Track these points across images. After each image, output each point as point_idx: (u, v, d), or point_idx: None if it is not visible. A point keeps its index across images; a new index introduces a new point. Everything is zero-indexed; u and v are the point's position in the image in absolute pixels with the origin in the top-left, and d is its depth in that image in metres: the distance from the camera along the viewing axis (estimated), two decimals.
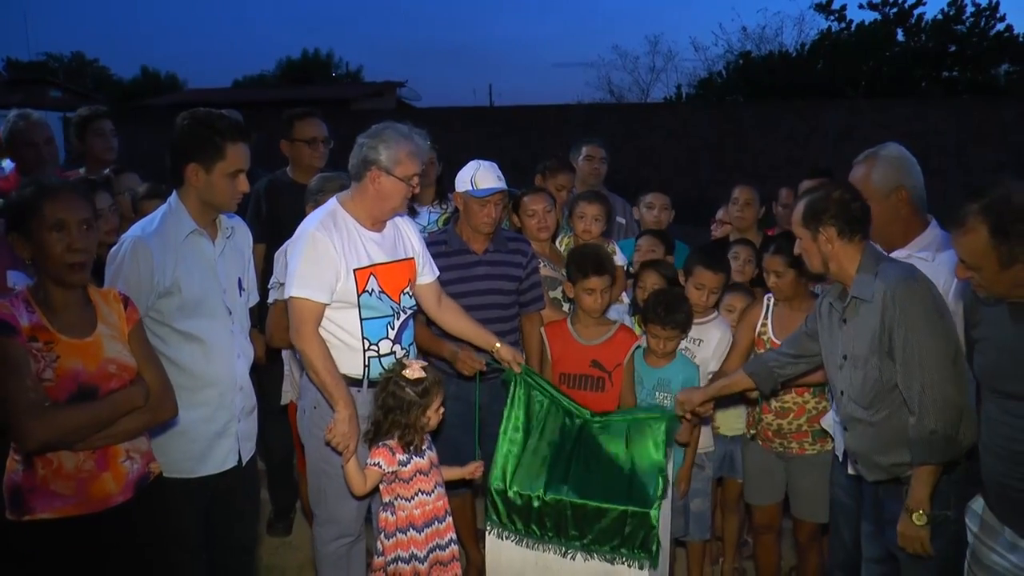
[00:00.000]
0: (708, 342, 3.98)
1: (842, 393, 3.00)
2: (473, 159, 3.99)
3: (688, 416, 3.51)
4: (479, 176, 3.84)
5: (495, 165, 3.92)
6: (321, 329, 3.29)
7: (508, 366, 3.59)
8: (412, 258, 3.51)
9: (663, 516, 3.31)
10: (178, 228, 2.99)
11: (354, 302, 3.29)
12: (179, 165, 2.98)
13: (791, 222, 3.04)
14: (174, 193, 3.07)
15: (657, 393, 3.80)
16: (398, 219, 3.52)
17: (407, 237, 3.53)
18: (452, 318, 3.65)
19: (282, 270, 3.66)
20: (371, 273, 3.32)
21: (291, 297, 3.22)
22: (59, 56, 48.85)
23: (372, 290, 3.33)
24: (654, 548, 3.21)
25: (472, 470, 3.49)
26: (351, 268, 3.26)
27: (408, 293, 3.48)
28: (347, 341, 3.33)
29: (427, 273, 3.58)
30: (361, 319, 3.32)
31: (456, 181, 3.96)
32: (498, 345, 3.60)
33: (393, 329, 3.41)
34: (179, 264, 2.96)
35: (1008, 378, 2.53)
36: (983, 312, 2.65)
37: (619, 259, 4.44)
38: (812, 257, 2.97)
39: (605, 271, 3.82)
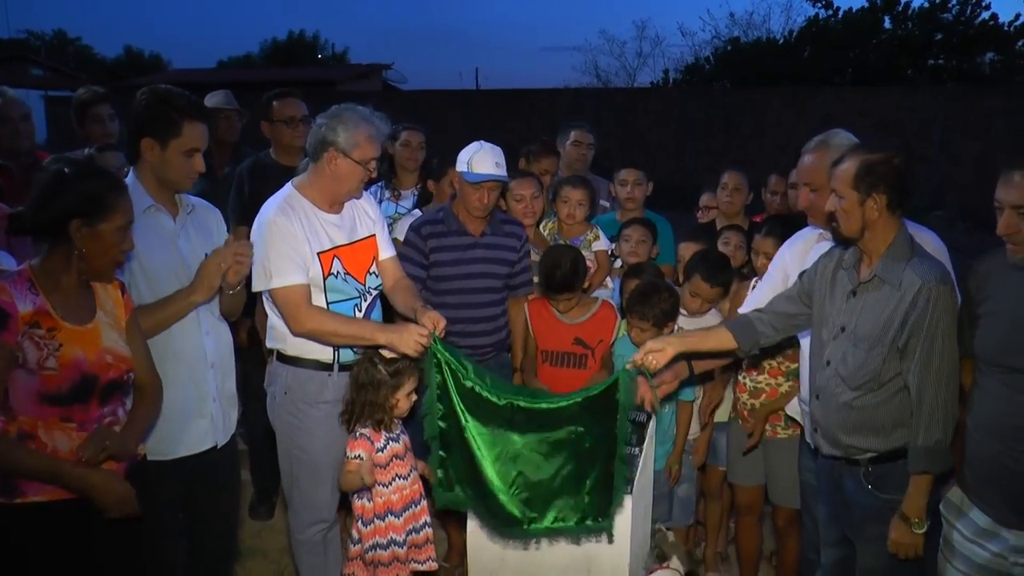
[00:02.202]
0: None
1: (828, 363, 2.93)
2: (458, 143, 3.95)
3: (646, 359, 3.01)
4: (475, 159, 3.79)
5: (498, 150, 3.85)
6: None
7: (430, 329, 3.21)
8: (373, 235, 3.47)
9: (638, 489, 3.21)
10: (135, 204, 2.91)
11: (320, 286, 3.26)
12: (135, 140, 2.95)
13: (835, 179, 2.83)
14: (131, 170, 3.03)
15: None
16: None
17: (364, 214, 3.47)
18: (401, 297, 3.48)
19: None
20: (335, 255, 3.29)
21: (274, 290, 3.17)
22: (40, 34, 48.29)
23: (337, 272, 3.29)
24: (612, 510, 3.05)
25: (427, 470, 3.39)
26: (315, 251, 3.23)
27: (374, 273, 3.44)
28: None
29: (384, 249, 3.52)
30: (328, 303, 3.29)
31: (457, 159, 3.90)
32: (419, 306, 3.30)
33: (360, 311, 3.38)
34: (137, 239, 2.89)
35: (1019, 353, 2.51)
36: (992, 286, 2.63)
37: (603, 244, 4.45)
38: (851, 220, 2.78)
39: (569, 290, 3.83)
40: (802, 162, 3.25)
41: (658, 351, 3.02)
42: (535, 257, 4.24)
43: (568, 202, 4.40)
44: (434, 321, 3.19)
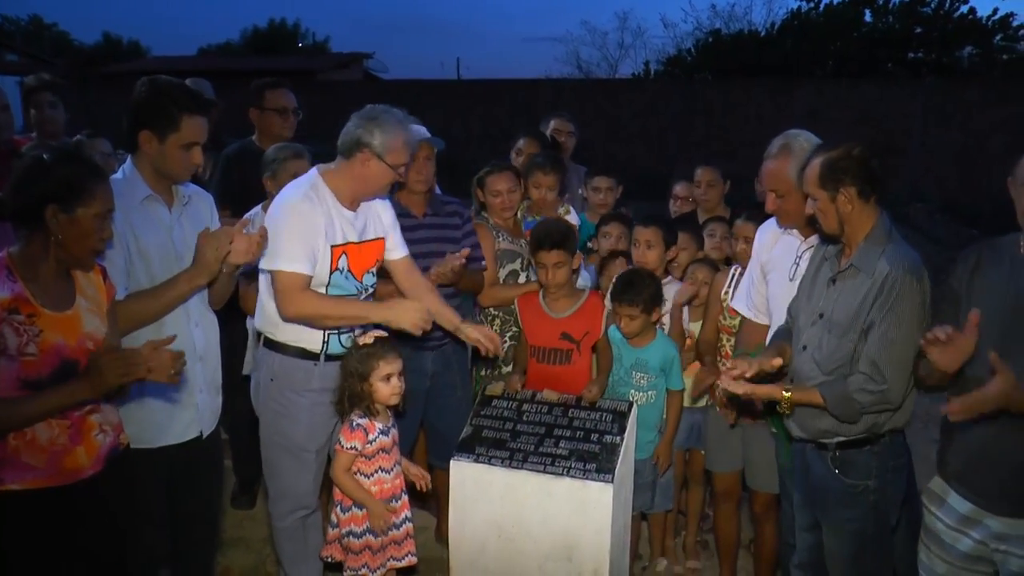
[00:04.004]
0: (668, 301, 4.04)
1: (804, 348, 2.99)
2: (440, 133, 4.02)
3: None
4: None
5: (420, 124, 3.94)
6: None
7: (478, 346, 3.53)
8: (382, 238, 3.49)
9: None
10: (132, 193, 2.93)
11: (325, 280, 3.28)
12: (134, 131, 2.94)
13: (805, 182, 2.90)
14: (128, 158, 3.03)
15: (635, 373, 3.82)
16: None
17: (377, 217, 3.49)
18: (423, 295, 3.56)
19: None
20: (343, 252, 3.31)
21: (277, 271, 3.18)
22: (15, 19, 47.48)
23: (342, 268, 3.32)
24: None
25: (420, 478, 3.45)
26: (329, 245, 3.25)
27: (372, 272, 3.46)
28: None
29: (398, 249, 3.56)
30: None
31: None
32: (461, 325, 3.55)
33: None
34: (135, 229, 2.92)
35: (1018, 334, 2.51)
36: (981, 281, 2.63)
37: (573, 218, 4.54)
38: (828, 219, 2.85)
39: (558, 246, 3.82)
40: (766, 167, 3.29)
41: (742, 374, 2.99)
42: (510, 246, 4.29)
43: (540, 187, 4.45)
44: (489, 337, 3.48)
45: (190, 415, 3.12)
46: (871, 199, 2.83)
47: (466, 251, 3.81)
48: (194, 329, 3.09)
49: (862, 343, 2.81)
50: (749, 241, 3.75)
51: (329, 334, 3.35)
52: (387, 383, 3.27)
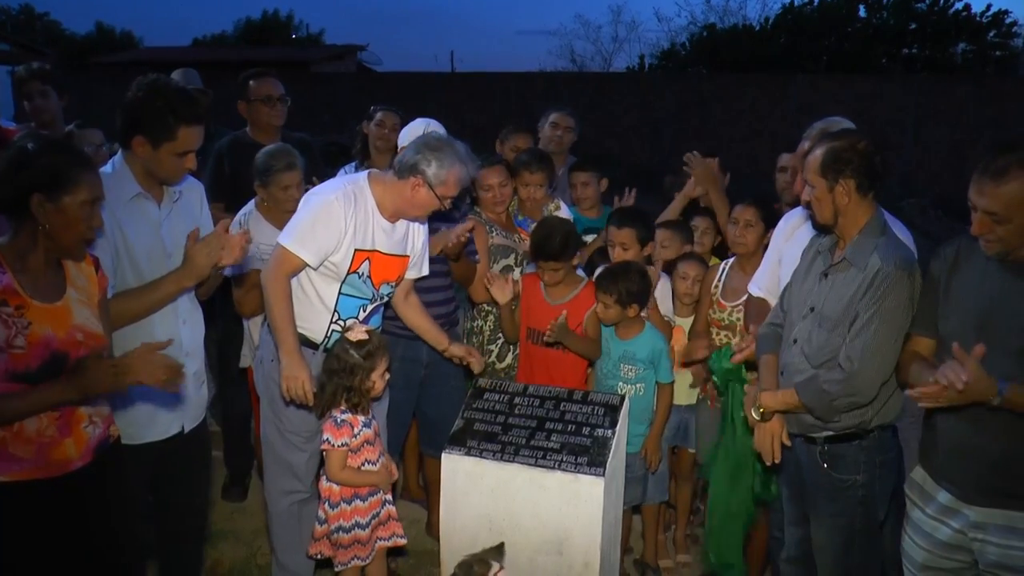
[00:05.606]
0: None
1: (795, 341, 2.99)
2: None
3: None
4: (431, 130, 3.87)
5: (442, 126, 3.99)
6: (299, 286, 3.31)
7: (465, 364, 3.69)
8: (408, 256, 3.52)
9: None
10: (121, 190, 2.90)
11: (341, 278, 3.31)
12: (127, 133, 2.90)
13: (805, 168, 2.89)
14: (119, 153, 3.00)
15: (622, 365, 3.82)
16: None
17: (414, 235, 3.53)
18: (412, 313, 3.71)
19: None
20: (367, 257, 3.33)
21: (283, 245, 3.23)
22: (6, 8, 47.17)
23: (362, 273, 3.34)
24: None
25: (391, 471, 3.45)
26: (353, 247, 3.27)
27: (390, 283, 3.50)
28: (317, 306, 3.36)
29: (413, 270, 3.61)
30: (340, 293, 3.35)
31: (403, 135, 4.04)
32: (448, 345, 3.70)
33: (364, 312, 3.44)
34: (124, 226, 2.90)
35: (992, 333, 2.52)
36: (964, 270, 2.64)
37: (564, 213, 4.53)
38: (823, 208, 2.85)
39: (556, 258, 3.84)
40: (801, 148, 3.29)
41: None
42: (503, 241, 4.28)
43: (528, 186, 4.44)
44: (472, 356, 3.67)
45: (174, 411, 3.11)
46: (869, 195, 2.82)
47: (470, 223, 3.86)
48: (182, 326, 3.07)
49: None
50: (749, 224, 3.78)
51: (333, 330, 3.38)
52: (382, 379, 3.31)
